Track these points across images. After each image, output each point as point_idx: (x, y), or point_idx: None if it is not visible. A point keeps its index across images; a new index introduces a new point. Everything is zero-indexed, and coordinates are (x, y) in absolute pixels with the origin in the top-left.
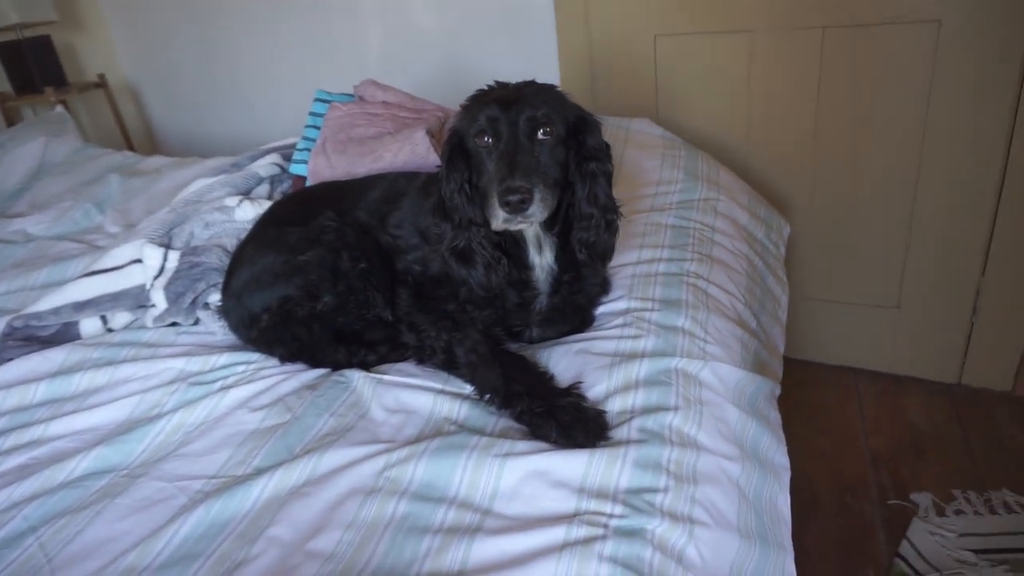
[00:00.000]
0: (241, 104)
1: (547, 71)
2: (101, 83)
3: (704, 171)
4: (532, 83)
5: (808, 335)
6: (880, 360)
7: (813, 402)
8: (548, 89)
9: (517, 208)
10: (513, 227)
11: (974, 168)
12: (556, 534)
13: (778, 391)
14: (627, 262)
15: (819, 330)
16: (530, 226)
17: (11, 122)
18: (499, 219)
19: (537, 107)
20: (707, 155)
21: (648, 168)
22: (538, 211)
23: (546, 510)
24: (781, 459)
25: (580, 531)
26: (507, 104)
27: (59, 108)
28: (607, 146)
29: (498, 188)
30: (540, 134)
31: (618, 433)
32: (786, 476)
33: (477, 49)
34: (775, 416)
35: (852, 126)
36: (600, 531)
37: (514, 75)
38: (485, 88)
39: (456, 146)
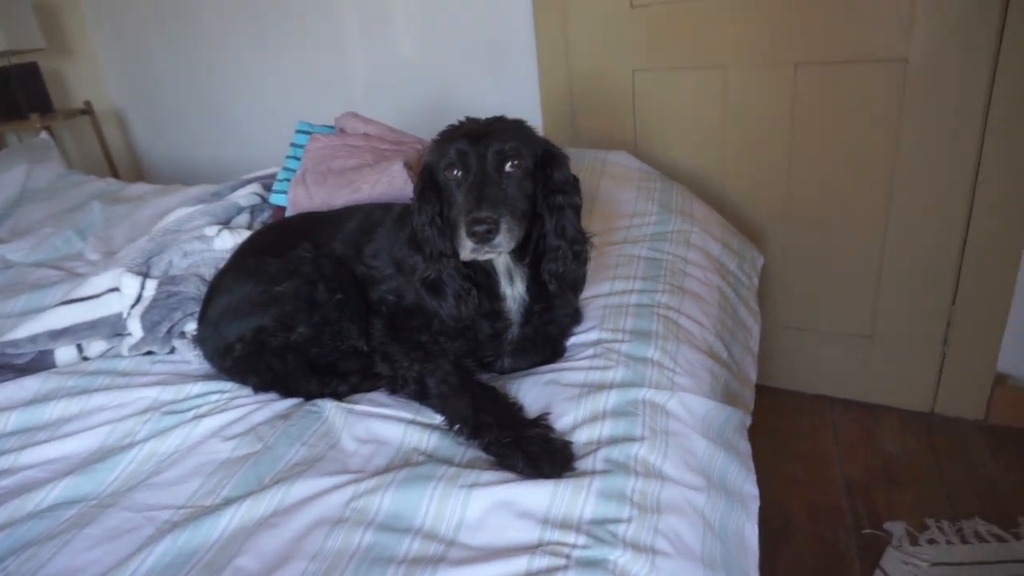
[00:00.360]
0: (227, 132)
1: (529, 104)
2: (87, 110)
3: (678, 203)
4: (501, 118)
5: (784, 364)
6: (855, 389)
7: (788, 430)
8: (516, 124)
9: (483, 238)
10: (481, 257)
11: (943, 200)
12: (518, 565)
13: (748, 421)
14: (600, 293)
15: (795, 359)
16: (498, 256)
17: None
18: (467, 249)
19: (505, 141)
20: (682, 187)
21: (623, 200)
22: (504, 241)
23: (510, 540)
24: (750, 489)
25: (542, 561)
26: (476, 138)
27: (43, 134)
28: (575, 179)
29: (465, 219)
30: (508, 167)
31: (584, 464)
32: (754, 506)
33: (461, 81)
34: (744, 446)
35: (825, 159)
36: (562, 561)
37: (496, 107)
38: (456, 123)
39: (427, 179)
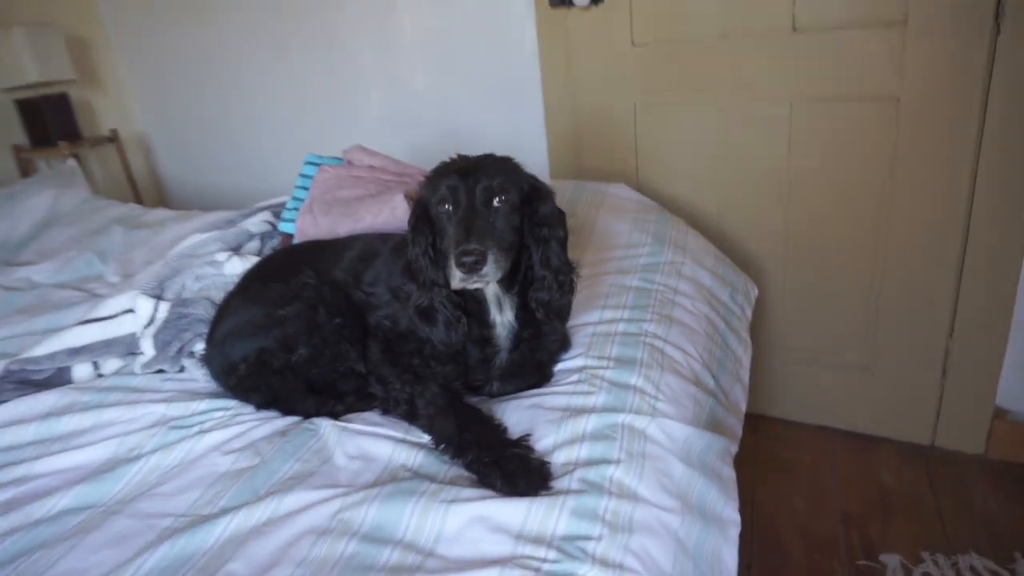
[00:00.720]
0: (247, 160)
1: (535, 137)
2: (113, 137)
3: (672, 235)
4: (490, 156)
5: (785, 394)
6: (855, 420)
7: (788, 460)
8: (504, 161)
9: (472, 269)
10: (469, 286)
11: (937, 235)
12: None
13: (734, 449)
14: (589, 321)
15: (796, 389)
16: (486, 285)
17: (25, 173)
18: (456, 279)
19: (493, 177)
20: (679, 220)
21: (618, 232)
22: (492, 272)
23: (484, 553)
24: (730, 514)
25: (512, 574)
26: (465, 174)
27: (71, 161)
28: (560, 213)
29: (455, 251)
30: (495, 202)
31: (560, 483)
32: (734, 531)
33: (470, 114)
34: (728, 473)
35: (821, 193)
36: (531, 574)
37: (504, 140)
38: (448, 160)
39: (421, 213)
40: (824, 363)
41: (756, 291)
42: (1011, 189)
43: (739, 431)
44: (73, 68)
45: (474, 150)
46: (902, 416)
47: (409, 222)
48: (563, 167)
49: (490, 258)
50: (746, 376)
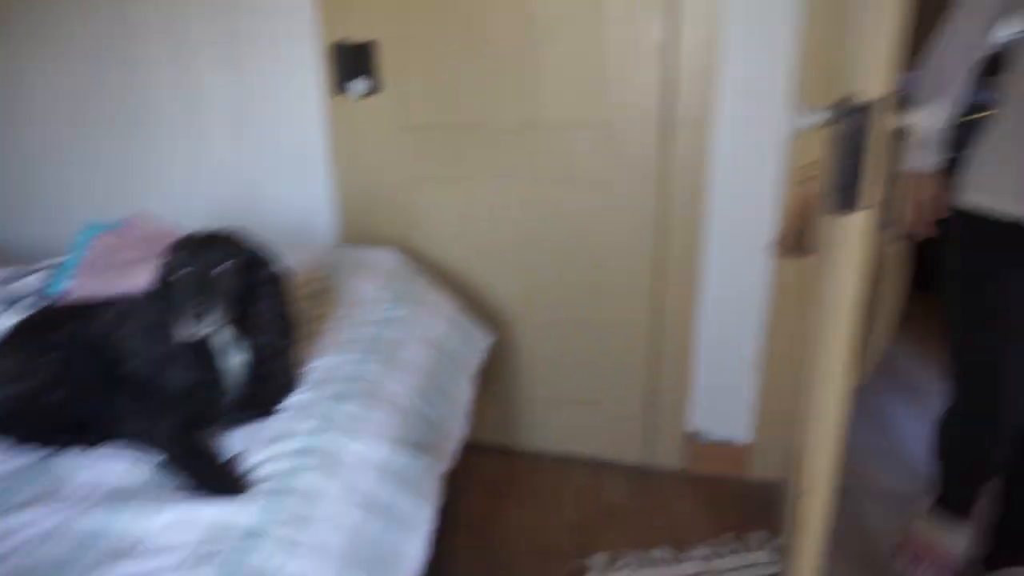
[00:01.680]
0: (42, 214)
1: (327, 205)
2: None
3: (414, 293)
4: (221, 231)
5: (533, 429)
6: (589, 447)
7: (531, 485)
8: (230, 235)
9: (196, 321)
10: (197, 334)
11: (635, 287)
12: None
13: (441, 468)
14: (319, 366)
15: (542, 424)
16: (212, 334)
17: None
18: (186, 330)
19: (217, 249)
20: (425, 280)
21: (364, 291)
22: (213, 323)
23: (182, 542)
24: (421, 515)
25: (202, 550)
26: (196, 245)
27: None
28: (276, 276)
29: (184, 307)
30: (219, 268)
31: (258, 488)
32: (423, 530)
33: (269, 183)
34: (428, 487)
35: (553, 259)
36: (220, 547)
37: (298, 208)
38: (185, 235)
39: (162, 277)
40: (564, 400)
41: (491, 339)
42: (687, 249)
43: (449, 455)
44: None
45: (273, 217)
46: (623, 441)
47: (152, 286)
48: (353, 233)
49: (212, 313)
50: (467, 409)
